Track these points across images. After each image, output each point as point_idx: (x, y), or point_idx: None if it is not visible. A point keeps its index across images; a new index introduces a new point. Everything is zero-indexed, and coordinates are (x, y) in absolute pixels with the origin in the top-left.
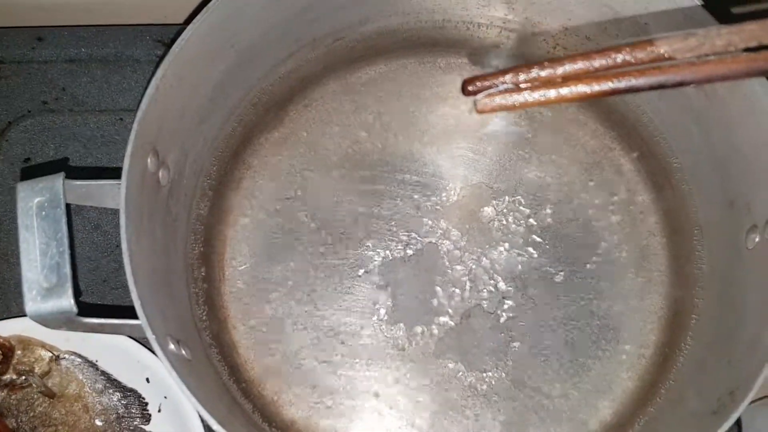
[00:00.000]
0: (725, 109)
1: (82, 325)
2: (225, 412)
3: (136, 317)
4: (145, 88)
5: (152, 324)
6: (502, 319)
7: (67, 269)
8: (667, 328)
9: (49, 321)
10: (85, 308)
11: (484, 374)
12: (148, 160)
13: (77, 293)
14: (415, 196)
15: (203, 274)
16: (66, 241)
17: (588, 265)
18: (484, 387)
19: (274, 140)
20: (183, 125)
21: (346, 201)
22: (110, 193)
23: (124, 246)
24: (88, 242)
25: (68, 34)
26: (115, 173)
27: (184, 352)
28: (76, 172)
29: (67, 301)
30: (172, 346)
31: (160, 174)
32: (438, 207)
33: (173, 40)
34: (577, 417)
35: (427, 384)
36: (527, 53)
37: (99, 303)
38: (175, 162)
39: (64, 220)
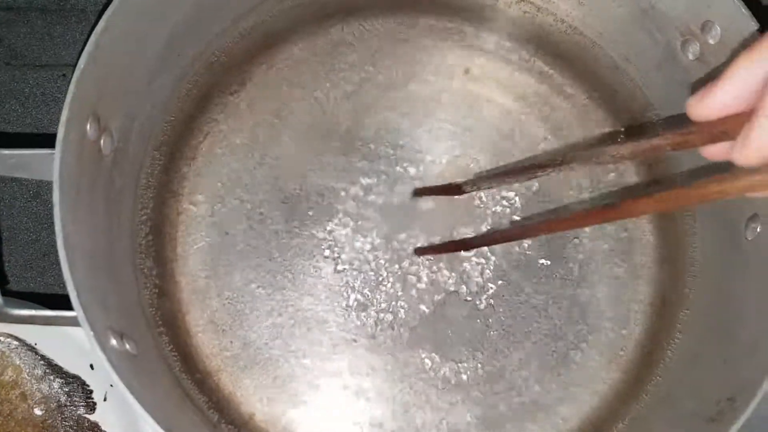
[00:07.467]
0: None
1: (10, 318)
2: (175, 412)
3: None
4: (85, 43)
5: (90, 317)
6: (479, 307)
7: None
8: (654, 320)
9: None
10: (17, 294)
11: (459, 365)
12: (88, 127)
13: (3, 281)
14: (390, 171)
15: (153, 253)
16: None
17: (572, 250)
18: (459, 378)
19: (234, 105)
20: (129, 87)
21: (314, 175)
22: (44, 164)
23: (57, 226)
24: (25, 212)
25: None
26: (52, 140)
27: (128, 346)
28: (7, 138)
29: None
30: (113, 342)
31: (102, 142)
32: (416, 183)
33: None
34: (557, 411)
35: (397, 375)
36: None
37: (37, 279)
38: (120, 128)
39: None
